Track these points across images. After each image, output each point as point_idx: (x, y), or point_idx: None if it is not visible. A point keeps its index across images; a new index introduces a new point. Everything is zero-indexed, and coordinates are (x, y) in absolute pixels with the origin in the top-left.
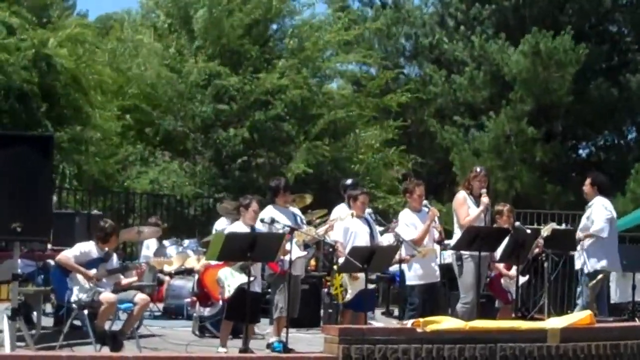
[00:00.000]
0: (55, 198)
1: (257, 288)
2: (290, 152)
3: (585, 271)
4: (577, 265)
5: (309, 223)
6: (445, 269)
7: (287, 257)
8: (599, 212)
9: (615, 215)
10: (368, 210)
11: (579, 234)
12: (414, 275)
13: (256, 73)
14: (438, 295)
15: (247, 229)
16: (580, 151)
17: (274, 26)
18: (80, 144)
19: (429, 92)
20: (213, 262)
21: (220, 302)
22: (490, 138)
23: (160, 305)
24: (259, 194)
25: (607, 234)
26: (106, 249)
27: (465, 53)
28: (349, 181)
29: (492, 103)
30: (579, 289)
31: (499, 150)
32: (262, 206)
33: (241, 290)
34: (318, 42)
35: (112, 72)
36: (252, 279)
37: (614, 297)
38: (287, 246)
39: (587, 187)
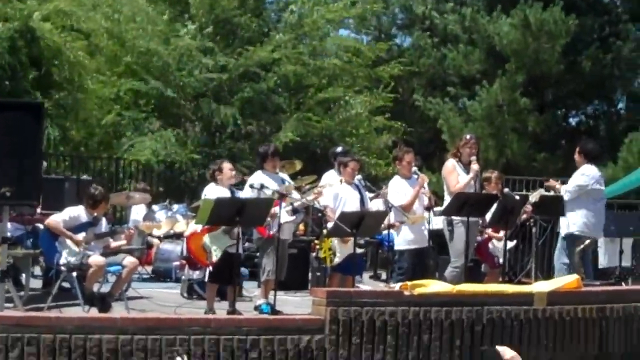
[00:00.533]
0: (44, 163)
1: (239, 250)
2: (280, 122)
3: (561, 234)
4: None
5: (298, 189)
6: (435, 234)
7: (275, 221)
8: (574, 178)
9: (595, 182)
10: (358, 177)
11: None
12: (403, 240)
13: (250, 45)
14: (427, 259)
15: (225, 192)
16: (570, 119)
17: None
18: (65, 109)
19: (423, 64)
20: (198, 228)
21: (210, 267)
22: (483, 107)
23: (149, 268)
24: (249, 161)
25: (568, 198)
26: (95, 213)
27: (457, 25)
28: (339, 149)
29: (484, 74)
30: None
31: (490, 119)
32: (251, 172)
33: (227, 254)
34: (318, 21)
35: (107, 38)
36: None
37: (603, 262)
38: (275, 210)
39: (576, 155)
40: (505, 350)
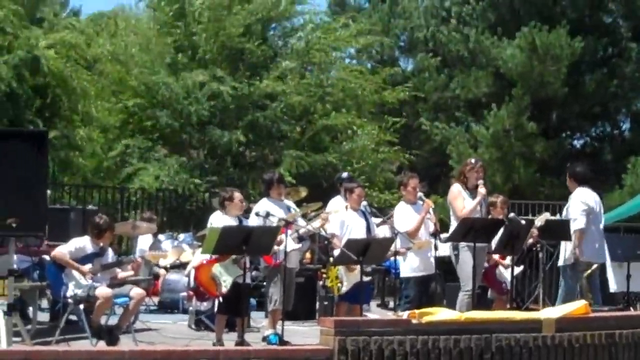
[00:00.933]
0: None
1: (247, 280)
2: (283, 150)
3: (561, 263)
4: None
5: (303, 216)
6: (441, 261)
7: (281, 249)
8: (574, 206)
9: (594, 205)
10: (364, 203)
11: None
12: (409, 268)
13: (254, 73)
14: (434, 287)
15: (234, 222)
16: (575, 142)
17: (274, 25)
18: (69, 140)
19: (428, 89)
20: (205, 260)
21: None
22: (490, 132)
23: (156, 299)
24: (250, 189)
25: (584, 225)
26: (101, 244)
27: (461, 46)
28: (344, 174)
29: (490, 97)
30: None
31: (498, 144)
32: (256, 200)
33: (236, 284)
34: (326, 49)
35: (112, 64)
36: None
37: (613, 286)
38: (282, 237)
39: (567, 180)
40: None
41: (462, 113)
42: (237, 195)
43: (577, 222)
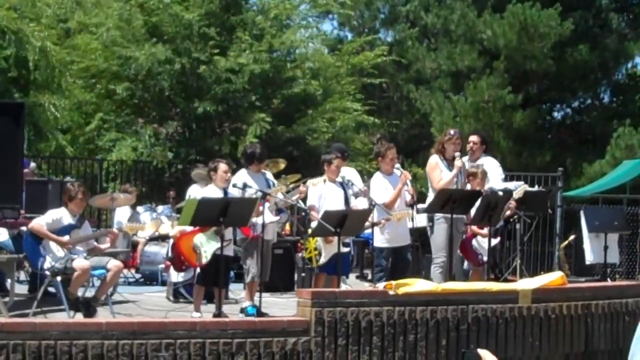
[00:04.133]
0: (33, 164)
1: (229, 252)
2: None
3: None
4: None
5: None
6: (419, 232)
7: (259, 221)
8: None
9: None
10: (342, 174)
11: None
12: (382, 238)
13: (219, 50)
14: (407, 258)
15: (219, 193)
16: (556, 113)
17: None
18: (44, 110)
19: (410, 55)
20: (188, 228)
21: (198, 269)
22: (469, 103)
23: (134, 271)
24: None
25: None
26: (77, 215)
27: (443, 20)
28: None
29: (472, 70)
30: None
31: (477, 116)
32: (235, 170)
33: (217, 256)
34: (281, 14)
35: (84, 37)
36: (226, 243)
37: (589, 258)
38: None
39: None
40: (486, 355)
41: (444, 84)
42: (222, 166)
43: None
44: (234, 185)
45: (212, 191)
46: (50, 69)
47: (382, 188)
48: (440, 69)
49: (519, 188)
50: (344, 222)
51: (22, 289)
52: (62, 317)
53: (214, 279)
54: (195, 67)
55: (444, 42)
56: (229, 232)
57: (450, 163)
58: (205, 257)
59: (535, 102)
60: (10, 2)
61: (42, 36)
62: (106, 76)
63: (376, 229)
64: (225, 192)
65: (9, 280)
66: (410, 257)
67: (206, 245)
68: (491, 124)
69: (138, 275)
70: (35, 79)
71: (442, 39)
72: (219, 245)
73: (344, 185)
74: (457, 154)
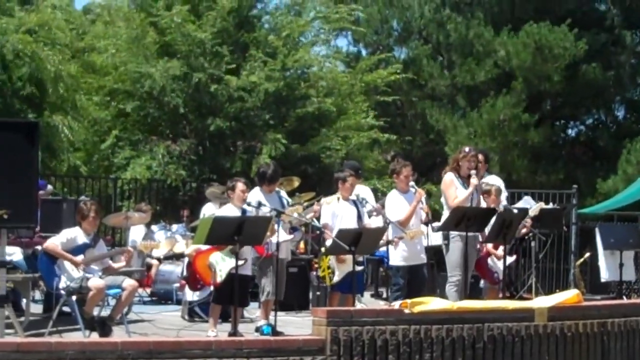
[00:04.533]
0: (50, 187)
1: (247, 271)
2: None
3: None
4: None
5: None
6: (433, 250)
7: (274, 240)
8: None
9: None
10: (356, 192)
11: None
12: (398, 257)
13: (232, 67)
14: (424, 276)
15: (237, 212)
16: (569, 131)
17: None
18: (59, 131)
19: (424, 73)
20: (203, 247)
21: (212, 287)
22: (485, 121)
23: (149, 291)
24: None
25: None
26: (92, 234)
27: (458, 38)
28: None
29: (487, 87)
30: None
31: (493, 134)
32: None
33: (232, 274)
34: (294, 31)
35: (99, 56)
36: (241, 262)
37: (604, 275)
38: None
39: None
40: None
41: (458, 101)
42: (240, 185)
43: None
44: (248, 204)
45: (231, 210)
46: (64, 90)
47: (397, 206)
48: (455, 86)
49: (534, 206)
50: (358, 240)
51: (37, 309)
52: (77, 336)
53: (229, 297)
54: (210, 83)
55: (458, 59)
56: (246, 251)
57: (465, 180)
58: (220, 276)
59: (549, 120)
60: (27, 26)
61: (57, 61)
62: (119, 94)
63: (391, 247)
64: (244, 211)
65: (24, 300)
66: (427, 276)
67: (221, 264)
68: (506, 142)
69: (154, 298)
70: (50, 99)
71: (456, 56)
72: (234, 264)
73: (357, 203)
74: (473, 171)
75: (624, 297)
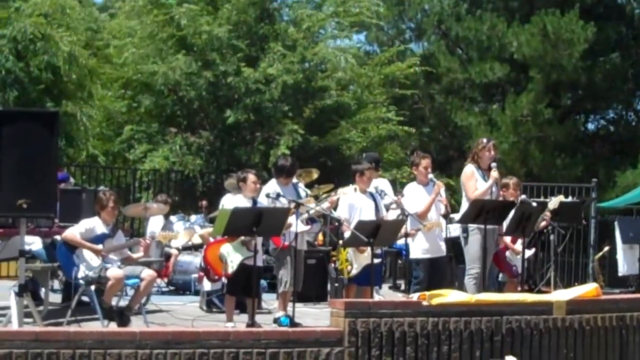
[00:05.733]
0: (72, 181)
1: (258, 262)
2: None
3: None
4: None
5: (315, 197)
6: (452, 242)
7: (292, 229)
8: None
9: None
10: (374, 185)
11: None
12: (418, 249)
13: (249, 61)
14: (444, 269)
15: (248, 203)
16: (590, 124)
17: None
18: (76, 120)
19: (442, 67)
20: (212, 239)
21: (224, 278)
22: (508, 117)
23: (168, 281)
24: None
25: None
26: (111, 224)
27: (474, 32)
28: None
29: (504, 82)
30: None
31: (516, 130)
32: (265, 180)
33: (243, 265)
34: (314, 25)
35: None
36: (252, 253)
37: (622, 269)
38: (291, 220)
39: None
40: None
41: (476, 96)
42: (251, 177)
43: None
44: (267, 195)
45: (241, 201)
46: (80, 75)
47: (416, 197)
48: (470, 80)
49: (554, 199)
50: (377, 232)
51: (56, 298)
52: (96, 326)
53: (242, 288)
54: (222, 79)
55: (475, 53)
56: (258, 243)
57: (485, 173)
58: (232, 267)
59: (569, 113)
60: (41, 10)
61: (71, 41)
62: (136, 87)
63: (411, 240)
64: (255, 202)
65: (43, 289)
66: (447, 269)
67: (232, 255)
68: (528, 137)
69: (172, 288)
70: (66, 86)
71: (472, 50)
72: (245, 254)
73: (374, 195)
74: (494, 165)
75: None
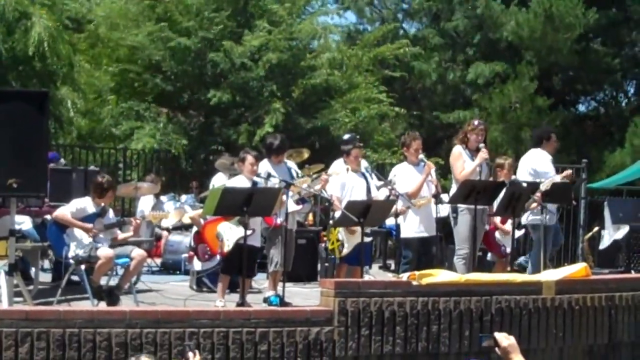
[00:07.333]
0: (63, 160)
1: (255, 242)
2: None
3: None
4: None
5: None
6: (442, 222)
7: (282, 210)
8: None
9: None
10: (364, 165)
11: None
12: (409, 229)
13: (235, 37)
14: (434, 249)
15: (248, 183)
16: (580, 106)
17: None
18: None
19: (432, 45)
20: (203, 220)
21: (218, 257)
22: (498, 106)
23: (158, 261)
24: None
25: None
26: (102, 204)
27: (468, 13)
28: (346, 136)
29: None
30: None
31: (505, 116)
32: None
33: (239, 245)
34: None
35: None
36: (249, 232)
37: (605, 243)
38: (283, 199)
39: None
40: (502, 338)
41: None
42: (249, 158)
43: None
44: (258, 175)
45: (241, 181)
46: (61, 58)
47: (407, 177)
48: (466, 63)
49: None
50: (367, 212)
51: (46, 278)
52: (86, 305)
53: (237, 267)
54: (206, 49)
55: (467, 35)
56: (255, 222)
57: (474, 153)
58: (228, 246)
59: (560, 95)
60: None
61: (52, 26)
62: (120, 61)
63: (402, 219)
64: (255, 183)
65: (33, 269)
66: (436, 249)
67: (229, 234)
68: (519, 124)
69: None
70: (49, 65)
71: (465, 32)
72: (241, 234)
73: (365, 174)
74: (482, 145)
75: (632, 272)
